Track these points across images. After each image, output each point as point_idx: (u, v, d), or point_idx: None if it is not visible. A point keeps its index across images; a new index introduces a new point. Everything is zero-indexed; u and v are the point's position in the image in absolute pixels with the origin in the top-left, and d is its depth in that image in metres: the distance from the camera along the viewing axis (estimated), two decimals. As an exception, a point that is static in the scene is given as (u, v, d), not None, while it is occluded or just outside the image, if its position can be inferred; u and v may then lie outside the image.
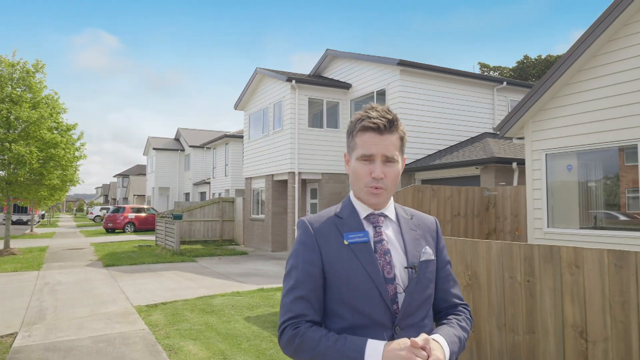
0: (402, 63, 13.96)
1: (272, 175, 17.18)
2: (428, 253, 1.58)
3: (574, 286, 3.46)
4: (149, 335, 6.26)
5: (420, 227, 1.64)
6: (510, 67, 36.98)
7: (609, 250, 3.24)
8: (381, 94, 14.90)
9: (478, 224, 9.12)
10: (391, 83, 14.42)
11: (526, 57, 35.74)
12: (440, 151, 14.51)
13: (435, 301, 1.65)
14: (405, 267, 1.52)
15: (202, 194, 32.47)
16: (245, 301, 8.25)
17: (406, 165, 13.85)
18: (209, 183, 29.71)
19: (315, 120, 16.63)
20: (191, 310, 7.63)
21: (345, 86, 16.30)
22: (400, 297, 1.49)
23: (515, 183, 11.52)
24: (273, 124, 17.18)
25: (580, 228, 7.70)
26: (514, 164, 11.34)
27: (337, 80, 16.80)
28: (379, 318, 1.46)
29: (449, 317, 1.64)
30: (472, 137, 15.07)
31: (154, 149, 36.34)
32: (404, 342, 1.35)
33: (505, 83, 15.87)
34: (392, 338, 1.45)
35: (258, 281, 10.45)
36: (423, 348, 1.34)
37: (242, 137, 23.03)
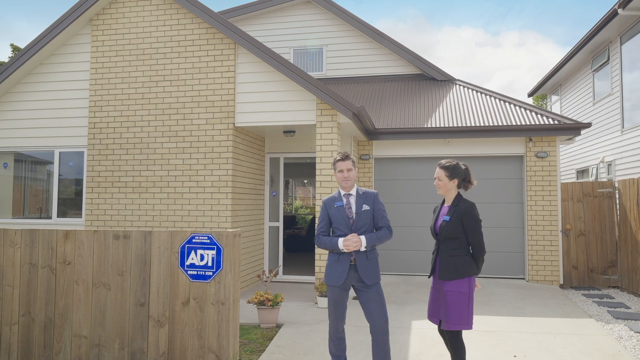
0: None
1: None
2: (365, 207, 3.96)
3: None
4: None
5: (366, 196, 4.00)
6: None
7: None
8: None
9: None
10: None
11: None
12: None
13: (375, 224, 4.00)
14: (356, 213, 3.94)
15: None
16: None
17: None
18: None
19: None
20: None
21: None
22: (353, 225, 3.93)
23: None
24: None
25: (13, 217, 8.94)
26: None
27: None
28: (347, 232, 3.91)
29: (375, 230, 4.01)
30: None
31: None
32: (349, 235, 3.87)
33: None
34: None
35: None
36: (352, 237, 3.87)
37: None
